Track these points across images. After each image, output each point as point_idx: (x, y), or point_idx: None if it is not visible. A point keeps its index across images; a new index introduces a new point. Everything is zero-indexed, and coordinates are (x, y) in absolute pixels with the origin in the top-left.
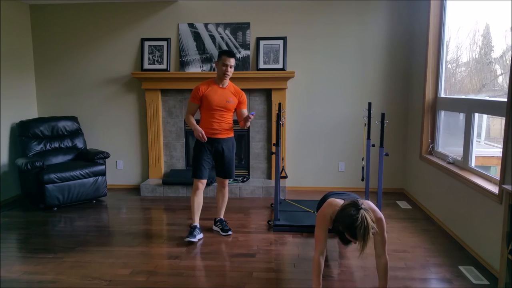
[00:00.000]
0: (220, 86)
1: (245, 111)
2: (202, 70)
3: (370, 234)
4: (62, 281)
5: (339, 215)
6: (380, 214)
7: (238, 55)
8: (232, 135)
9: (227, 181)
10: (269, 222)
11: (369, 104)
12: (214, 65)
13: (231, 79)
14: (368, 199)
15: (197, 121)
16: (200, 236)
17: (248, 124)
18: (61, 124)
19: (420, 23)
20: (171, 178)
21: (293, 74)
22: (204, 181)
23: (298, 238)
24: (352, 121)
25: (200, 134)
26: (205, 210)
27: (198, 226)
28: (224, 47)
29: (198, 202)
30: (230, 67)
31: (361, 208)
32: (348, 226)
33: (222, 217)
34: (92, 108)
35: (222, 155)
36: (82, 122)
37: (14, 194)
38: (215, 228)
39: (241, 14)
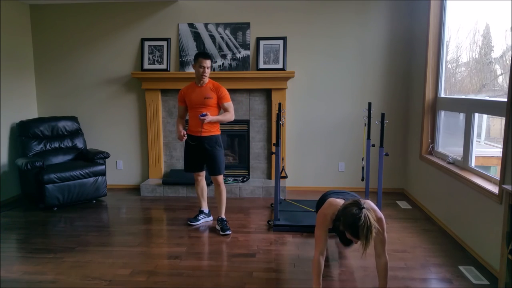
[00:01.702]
0: (199, 85)
1: (226, 105)
2: None
3: (373, 233)
4: (62, 281)
5: (341, 215)
6: (380, 214)
7: (238, 55)
8: (216, 133)
9: (218, 178)
10: (269, 222)
11: (369, 104)
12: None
13: (227, 79)
14: (368, 199)
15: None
16: (206, 219)
17: (204, 122)
18: (61, 124)
19: (420, 23)
20: (171, 178)
21: (293, 74)
22: (198, 173)
23: (298, 238)
24: (352, 121)
25: (181, 134)
26: None
27: (206, 210)
28: (224, 47)
29: (200, 189)
30: (207, 68)
31: (363, 207)
32: (350, 225)
33: (222, 216)
34: (92, 108)
35: (205, 152)
36: (82, 122)
37: (14, 194)
38: (217, 227)
39: (241, 14)
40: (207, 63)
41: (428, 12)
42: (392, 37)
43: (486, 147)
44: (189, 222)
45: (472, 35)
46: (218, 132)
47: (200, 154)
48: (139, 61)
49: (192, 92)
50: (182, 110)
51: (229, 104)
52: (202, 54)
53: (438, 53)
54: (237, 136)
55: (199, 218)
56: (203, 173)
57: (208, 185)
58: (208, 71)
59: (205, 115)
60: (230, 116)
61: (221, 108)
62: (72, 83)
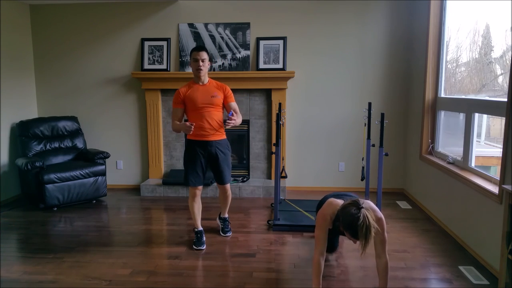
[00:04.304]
0: (200, 84)
1: (234, 105)
2: None
3: (373, 233)
4: (62, 281)
5: (340, 215)
6: (380, 214)
7: (238, 55)
8: (225, 136)
9: (227, 185)
10: (269, 222)
11: (369, 104)
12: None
13: (227, 79)
14: (368, 199)
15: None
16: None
17: (229, 126)
18: (61, 124)
19: (420, 23)
20: (171, 178)
21: (293, 74)
22: (201, 187)
23: (298, 238)
24: (352, 121)
25: (188, 124)
26: (205, 210)
27: (202, 229)
28: (224, 47)
29: (198, 207)
30: (202, 61)
31: (362, 207)
32: (349, 225)
33: (226, 215)
34: (92, 108)
35: (216, 160)
36: (82, 122)
37: (14, 194)
38: (219, 222)
39: (241, 14)
40: (201, 55)
41: (428, 12)
42: (392, 37)
43: (486, 147)
44: (199, 248)
45: (472, 35)
46: (225, 136)
47: (206, 162)
48: (139, 61)
49: (195, 92)
50: (181, 113)
51: (235, 104)
52: (195, 47)
53: (438, 53)
54: (237, 136)
55: (203, 239)
56: (201, 187)
57: (207, 185)
58: (204, 64)
59: (232, 114)
60: (241, 118)
61: (224, 108)
62: (72, 83)
